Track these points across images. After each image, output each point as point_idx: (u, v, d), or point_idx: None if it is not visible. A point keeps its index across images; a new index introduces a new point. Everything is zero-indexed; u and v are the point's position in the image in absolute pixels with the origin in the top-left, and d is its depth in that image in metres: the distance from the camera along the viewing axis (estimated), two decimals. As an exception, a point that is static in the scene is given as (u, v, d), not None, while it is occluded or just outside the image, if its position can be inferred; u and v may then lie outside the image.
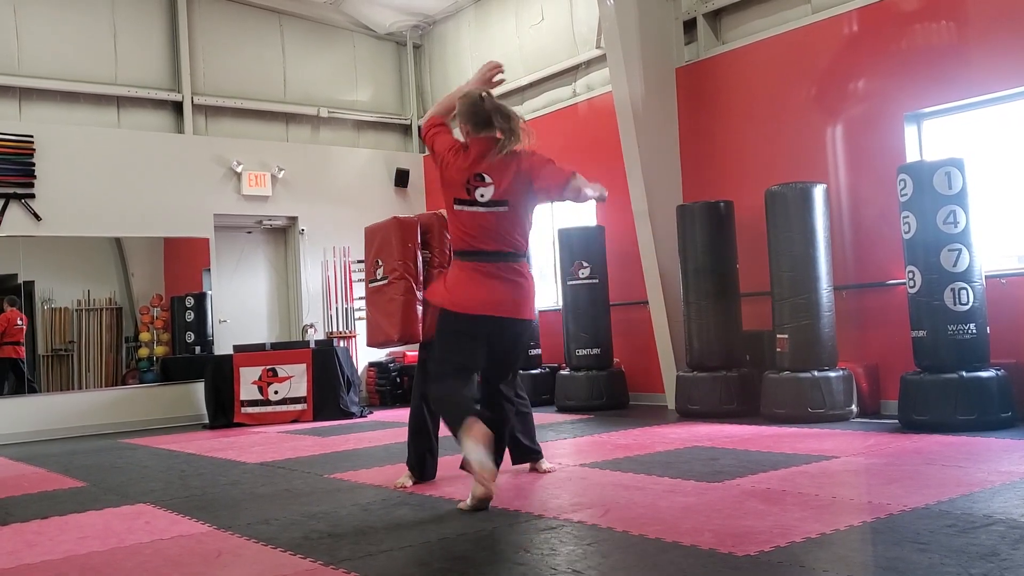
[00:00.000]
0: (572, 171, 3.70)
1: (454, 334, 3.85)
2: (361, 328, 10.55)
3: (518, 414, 4.67)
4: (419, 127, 11.51)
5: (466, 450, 3.61)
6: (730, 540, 3.04)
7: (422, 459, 4.62)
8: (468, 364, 3.86)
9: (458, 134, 3.96)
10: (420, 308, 4.53)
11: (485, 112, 3.79)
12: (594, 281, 8.02)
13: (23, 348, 8.92)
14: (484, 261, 3.74)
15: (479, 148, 3.81)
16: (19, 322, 8.91)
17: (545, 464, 4.76)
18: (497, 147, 3.74)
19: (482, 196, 3.71)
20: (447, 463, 4.87)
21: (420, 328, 4.52)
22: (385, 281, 4.58)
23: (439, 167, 3.88)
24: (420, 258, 4.57)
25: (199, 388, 9.18)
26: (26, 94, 9.14)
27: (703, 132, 7.85)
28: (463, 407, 3.70)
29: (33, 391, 8.91)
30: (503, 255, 3.76)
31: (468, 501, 3.76)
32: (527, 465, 4.74)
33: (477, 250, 3.75)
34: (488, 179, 3.73)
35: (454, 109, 3.93)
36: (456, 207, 3.74)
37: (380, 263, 4.65)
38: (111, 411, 9.08)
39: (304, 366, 8.88)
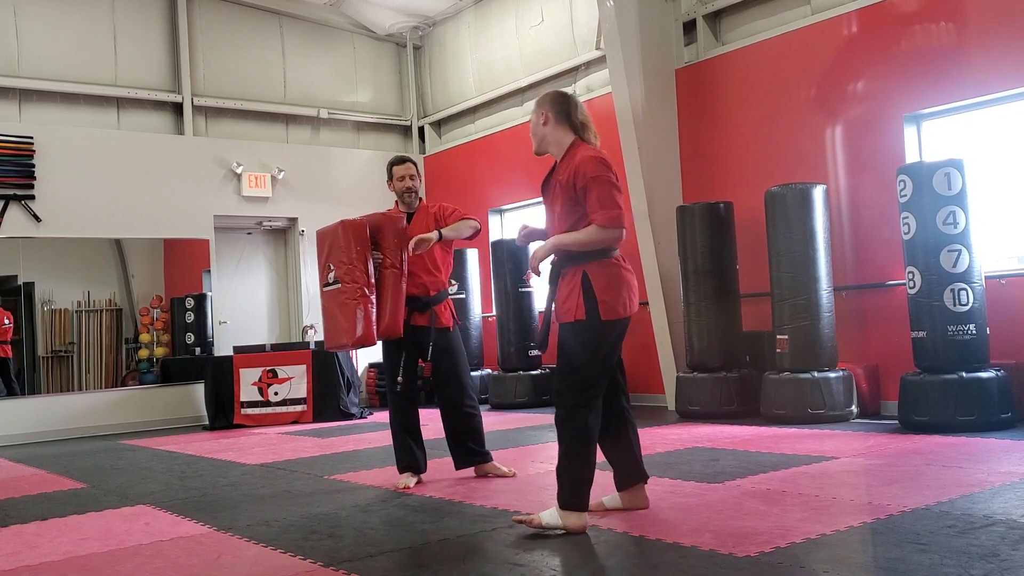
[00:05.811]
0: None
1: (612, 345, 3.40)
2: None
3: (466, 417, 4.66)
4: (420, 134, 11.51)
5: (566, 517, 3.30)
6: (730, 541, 3.05)
7: (411, 453, 4.66)
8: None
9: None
10: (373, 311, 4.43)
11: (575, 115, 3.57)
12: (594, 282, 8.00)
13: (10, 348, 8.86)
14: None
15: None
16: (6, 321, 8.84)
17: (502, 467, 4.74)
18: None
19: None
20: (447, 464, 4.87)
21: (374, 330, 4.43)
22: (337, 286, 4.49)
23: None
24: (371, 260, 4.50)
25: (199, 389, 9.17)
26: (26, 95, 9.15)
27: (703, 133, 7.85)
28: (591, 476, 3.37)
29: (14, 394, 8.79)
30: None
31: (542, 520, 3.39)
32: (504, 466, 4.76)
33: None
34: None
35: None
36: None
37: (331, 267, 4.56)
38: (111, 412, 9.07)
39: (304, 367, 8.88)
